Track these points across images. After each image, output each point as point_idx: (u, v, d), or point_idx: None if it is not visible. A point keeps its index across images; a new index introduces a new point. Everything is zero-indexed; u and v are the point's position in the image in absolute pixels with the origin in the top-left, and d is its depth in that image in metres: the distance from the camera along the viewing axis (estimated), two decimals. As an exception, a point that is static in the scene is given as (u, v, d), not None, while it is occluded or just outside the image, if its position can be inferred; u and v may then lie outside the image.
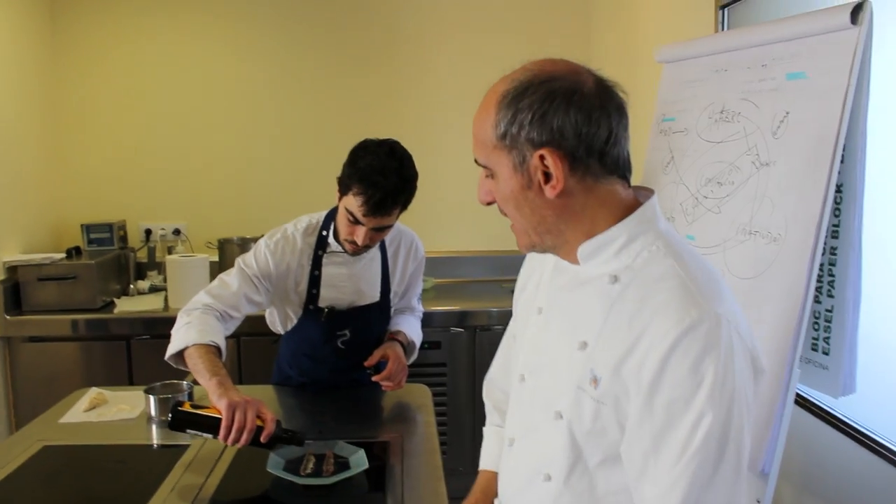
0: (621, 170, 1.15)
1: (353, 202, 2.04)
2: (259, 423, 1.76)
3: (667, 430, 1.04)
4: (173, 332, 2.05)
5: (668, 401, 1.03)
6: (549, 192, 1.12)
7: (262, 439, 1.75)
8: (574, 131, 1.09)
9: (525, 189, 1.13)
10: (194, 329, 2.01)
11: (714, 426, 1.01)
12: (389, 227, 2.15)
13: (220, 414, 1.75)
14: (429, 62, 3.99)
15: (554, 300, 1.26)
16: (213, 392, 1.81)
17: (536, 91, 1.10)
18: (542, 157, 1.10)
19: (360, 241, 2.10)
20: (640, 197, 1.19)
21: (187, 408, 1.81)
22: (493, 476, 1.48)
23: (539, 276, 1.36)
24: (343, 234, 2.14)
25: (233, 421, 1.73)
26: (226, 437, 1.73)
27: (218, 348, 2.00)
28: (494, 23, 3.98)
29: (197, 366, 1.92)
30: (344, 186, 2.08)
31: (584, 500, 1.17)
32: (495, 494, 1.42)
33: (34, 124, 3.71)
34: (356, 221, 2.07)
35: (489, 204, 1.22)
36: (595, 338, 1.13)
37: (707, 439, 1.01)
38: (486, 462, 1.55)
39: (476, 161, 1.20)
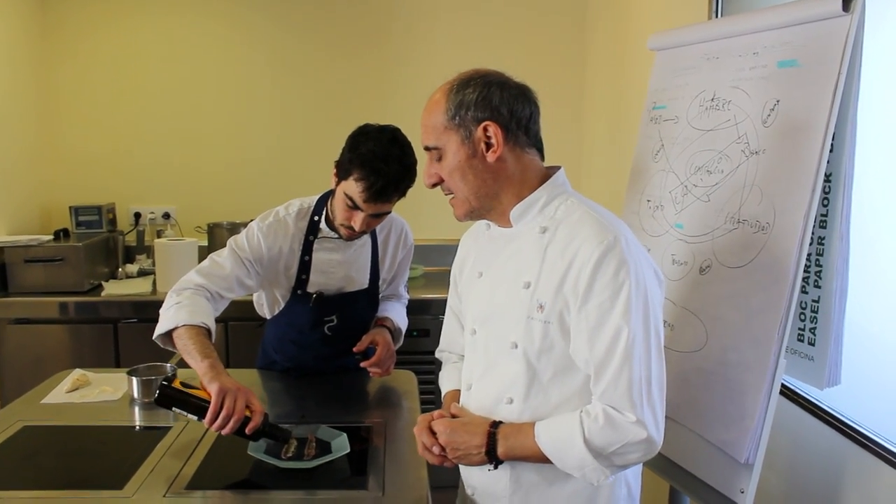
0: (539, 144, 1.52)
1: (353, 188, 2.01)
2: (247, 413, 1.74)
3: (600, 325, 1.37)
4: (162, 311, 2.01)
5: (598, 303, 1.37)
6: (491, 156, 1.45)
7: (248, 431, 1.73)
8: (508, 108, 1.45)
9: (471, 158, 1.46)
10: (185, 310, 1.98)
11: (637, 312, 1.36)
12: (387, 213, 2.13)
13: (209, 397, 1.73)
14: (422, 47, 3.97)
15: (492, 261, 1.58)
16: (204, 374, 1.78)
17: (476, 82, 1.47)
18: (485, 129, 1.44)
19: (357, 226, 2.08)
20: (551, 170, 1.53)
21: (177, 385, 1.78)
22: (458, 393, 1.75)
23: (474, 252, 1.68)
24: (339, 219, 2.12)
25: (221, 407, 1.70)
26: (211, 422, 1.71)
27: (208, 330, 1.97)
28: (489, 7, 3.96)
29: (187, 346, 1.89)
30: (344, 171, 2.05)
31: (542, 412, 1.47)
32: None
33: (24, 106, 3.68)
34: (355, 207, 2.05)
35: (434, 186, 1.53)
36: (535, 276, 1.46)
37: (635, 322, 1.36)
38: (449, 385, 1.79)
39: (426, 147, 1.51)
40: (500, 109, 1.45)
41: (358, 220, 2.07)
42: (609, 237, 1.38)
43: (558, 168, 1.55)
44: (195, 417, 1.75)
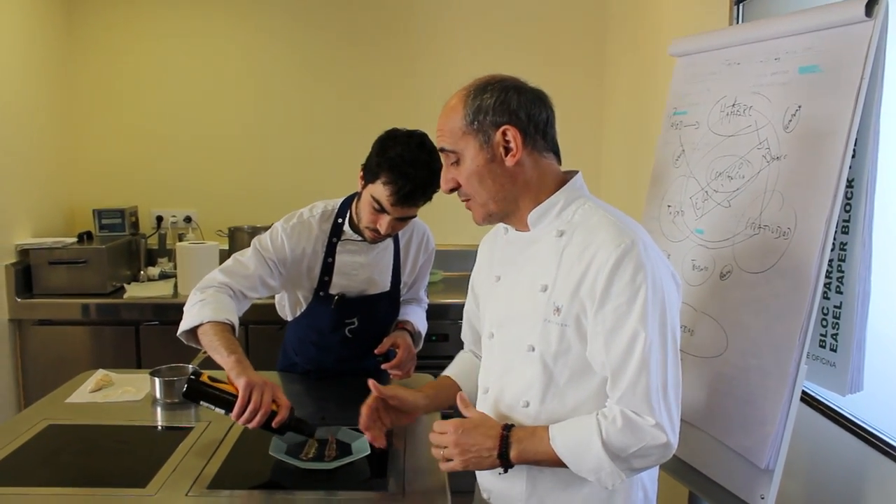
0: (556, 148, 1.53)
1: (381, 191, 2.03)
2: (274, 407, 1.76)
3: (617, 329, 1.38)
4: (186, 308, 2.03)
5: (615, 306, 1.38)
6: (510, 160, 1.46)
7: (274, 425, 1.75)
8: (526, 113, 1.46)
9: (489, 163, 1.47)
10: (209, 306, 1.99)
11: (654, 316, 1.37)
12: (413, 217, 2.15)
13: (236, 392, 1.75)
14: (443, 52, 3.98)
15: (510, 265, 1.59)
16: (231, 370, 1.80)
17: (494, 87, 1.48)
18: (504, 133, 1.45)
19: (383, 229, 2.09)
20: (568, 175, 1.55)
21: (205, 379, 1.80)
22: (451, 382, 1.81)
23: (489, 256, 1.69)
24: (365, 222, 2.13)
25: (248, 401, 1.73)
26: (238, 416, 1.73)
27: (233, 327, 1.99)
28: (511, 12, 3.97)
29: (213, 343, 1.91)
30: (371, 174, 2.06)
31: (558, 415, 1.47)
32: (446, 399, 1.77)
33: (49, 110, 3.73)
34: (382, 210, 2.06)
35: (451, 191, 1.54)
36: (552, 280, 1.46)
37: (651, 326, 1.37)
38: (450, 371, 1.86)
39: (441, 150, 1.52)
40: (518, 114, 1.46)
41: (384, 224, 2.08)
42: (626, 241, 1.38)
43: (576, 172, 1.56)
44: (222, 411, 1.77)
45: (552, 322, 1.45)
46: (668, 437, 1.38)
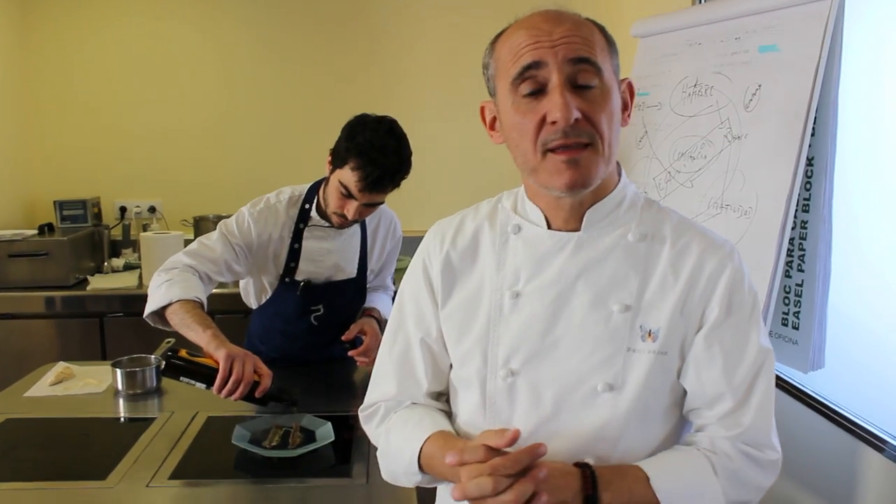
0: None
1: (349, 176, 2.01)
2: (256, 377, 1.76)
3: (739, 350, 1.14)
4: (151, 289, 2.00)
5: (735, 322, 1.14)
6: (625, 120, 1.16)
7: (257, 394, 1.76)
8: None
9: (619, 110, 1.13)
10: (177, 286, 1.97)
11: (765, 333, 1.17)
12: (380, 203, 2.13)
13: (216, 365, 1.74)
14: (411, 37, 3.95)
15: (539, 278, 1.18)
16: (208, 344, 1.80)
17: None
18: (630, 85, 1.16)
19: (350, 215, 2.08)
20: None
21: (183, 354, 1.80)
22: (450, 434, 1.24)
23: (482, 264, 1.24)
24: (332, 207, 2.12)
25: (230, 373, 1.72)
26: (220, 389, 1.73)
27: (202, 305, 1.97)
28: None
29: (185, 320, 1.89)
30: (339, 159, 2.04)
31: (631, 457, 1.14)
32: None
33: (6, 100, 3.65)
34: (349, 196, 2.05)
35: (576, 122, 1.05)
36: (637, 297, 1.15)
37: (766, 342, 1.16)
38: (431, 427, 1.23)
39: (587, 61, 1.07)
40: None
41: (351, 209, 2.07)
42: (732, 249, 1.18)
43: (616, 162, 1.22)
44: (203, 385, 1.78)
45: (642, 351, 1.14)
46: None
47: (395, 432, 1.28)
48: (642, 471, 1.10)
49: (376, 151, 1.98)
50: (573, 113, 1.04)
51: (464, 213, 1.31)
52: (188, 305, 1.93)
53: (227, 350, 1.76)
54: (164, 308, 1.95)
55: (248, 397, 1.75)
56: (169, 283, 1.99)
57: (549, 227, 1.19)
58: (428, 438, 1.21)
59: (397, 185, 2.07)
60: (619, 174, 1.21)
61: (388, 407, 1.32)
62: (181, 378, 1.80)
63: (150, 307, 1.98)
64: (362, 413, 1.37)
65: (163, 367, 1.80)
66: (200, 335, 1.84)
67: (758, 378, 1.13)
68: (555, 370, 1.16)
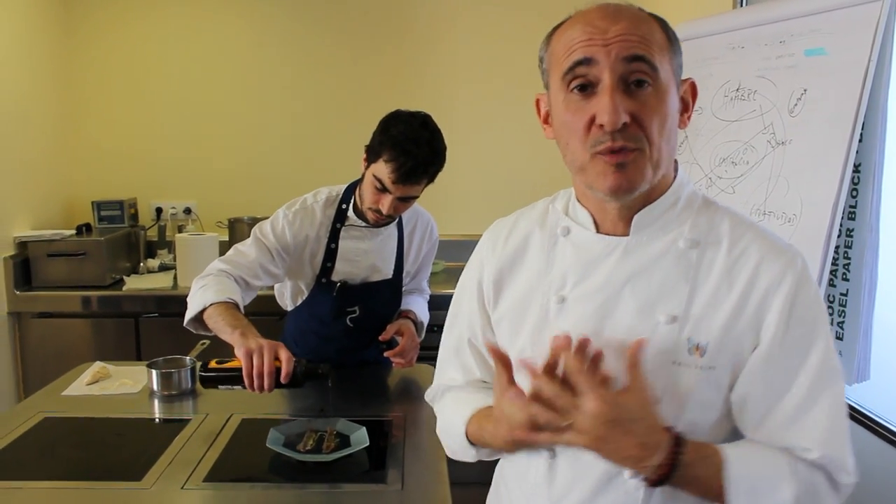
0: None
1: (383, 169, 2.02)
2: (278, 364, 1.78)
3: (801, 362, 1.06)
4: (189, 298, 2.04)
5: (797, 337, 1.05)
6: (685, 122, 1.10)
7: (283, 380, 1.77)
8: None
9: (676, 113, 1.08)
10: (210, 290, 2.00)
11: (832, 348, 1.07)
12: (414, 197, 2.13)
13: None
14: (444, 40, 3.93)
15: (586, 283, 1.14)
16: (235, 344, 1.82)
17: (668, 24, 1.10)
18: (692, 86, 1.10)
19: (385, 209, 2.08)
20: None
21: (212, 364, 1.84)
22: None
23: (529, 266, 1.22)
24: (368, 202, 2.12)
25: (253, 368, 1.75)
26: (250, 386, 1.76)
27: (236, 305, 2.00)
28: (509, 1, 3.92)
29: (218, 324, 1.92)
30: (374, 154, 2.06)
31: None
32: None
33: (48, 101, 3.70)
34: (384, 189, 2.05)
35: (624, 126, 1.02)
36: (684, 307, 1.08)
37: (833, 360, 1.07)
38: (471, 406, 1.25)
39: (642, 59, 1.03)
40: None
41: (386, 203, 2.06)
42: (796, 257, 1.09)
43: (674, 159, 1.16)
44: (240, 387, 1.80)
45: (689, 365, 1.07)
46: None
47: (447, 409, 1.33)
48: (720, 454, 1.05)
49: (410, 143, 1.99)
50: (621, 117, 1.01)
51: (519, 213, 1.30)
52: (221, 308, 1.95)
53: (246, 347, 1.77)
54: (202, 314, 1.98)
55: (279, 384, 1.77)
56: (203, 289, 2.01)
57: (599, 230, 1.15)
58: (474, 414, 1.22)
59: (431, 178, 2.08)
60: (676, 173, 1.15)
61: (448, 388, 1.37)
62: (218, 387, 1.86)
63: (188, 315, 2.01)
64: (428, 396, 1.45)
65: (200, 381, 1.88)
66: (229, 336, 1.86)
67: (822, 394, 1.05)
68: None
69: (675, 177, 1.14)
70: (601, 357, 1.05)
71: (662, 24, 1.08)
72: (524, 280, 1.22)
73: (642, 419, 1.03)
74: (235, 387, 1.80)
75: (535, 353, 1.16)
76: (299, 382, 1.81)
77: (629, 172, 1.04)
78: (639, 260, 1.12)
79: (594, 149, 1.05)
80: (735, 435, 1.12)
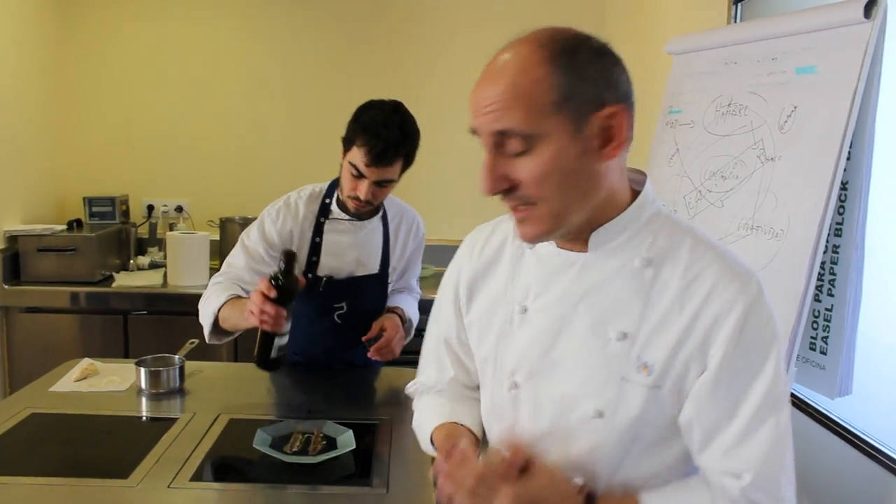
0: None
1: (356, 154, 2.06)
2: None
3: (746, 390, 1.06)
4: (201, 319, 2.14)
5: (743, 366, 1.05)
6: (612, 152, 1.04)
7: (268, 294, 1.86)
8: (626, 87, 1.06)
9: (580, 157, 1.03)
10: (213, 298, 2.12)
11: (780, 375, 1.06)
12: (391, 181, 2.15)
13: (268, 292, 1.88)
14: (436, 45, 3.95)
15: (546, 294, 1.17)
16: (248, 320, 1.93)
17: (587, 49, 1.05)
18: (611, 116, 1.03)
19: (362, 195, 2.10)
20: (633, 177, 1.18)
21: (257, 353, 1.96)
22: (456, 426, 1.34)
23: (500, 274, 1.27)
24: (346, 191, 2.15)
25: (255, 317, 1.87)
26: (268, 326, 1.88)
27: (238, 297, 2.10)
28: (506, 6, 3.93)
29: (232, 320, 2.06)
30: (348, 142, 2.11)
31: (629, 486, 1.13)
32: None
33: (40, 97, 3.70)
34: (359, 175, 2.09)
35: (497, 192, 1.07)
36: (636, 326, 1.10)
37: (781, 386, 1.07)
38: (438, 418, 1.37)
39: (500, 132, 1.04)
40: (620, 87, 1.05)
41: (363, 189, 2.10)
42: (750, 280, 1.07)
43: (643, 175, 1.18)
44: (275, 341, 1.96)
45: (636, 383, 1.09)
46: None
47: (420, 413, 1.46)
48: (639, 502, 1.10)
49: (380, 127, 2.04)
50: (495, 186, 1.05)
51: (498, 221, 1.34)
52: (227, 306, 2.07)
53: (247, 311, 1.89)
54: (216, 324, 2.09)
55: (278, 300, 1.87)
56: (206, 301, 2.14)
57: (561, 245, 1.17)
58: (438, 427, 1.36)
59: (405, 160, 2.13)
60: (640, 190, 1.15)
61: (427, 386, 1.46)
62: (273, 353, 1.98)
63: (206, 331, 2.13)
64: (408, 389, 1.54)
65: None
66: (245, 322, 1.96)
67: (765, 421, 1.05)
68: (553, 390, 1.16)
69: (635, 195, 1.14)
70: (531, 461, 1.09)
71: (559, 67, 1.02)
72: (494, 288, 1.27)
73: (553, 493, 1.08)
74: (277, 342, 1.95)
75: (498, 360, 1.23)
76: (273, 364, 1.98)
77: (528, 227, 1.09)
78: (596, 276, 1.13)
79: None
80: (689, 456, 1.14)
